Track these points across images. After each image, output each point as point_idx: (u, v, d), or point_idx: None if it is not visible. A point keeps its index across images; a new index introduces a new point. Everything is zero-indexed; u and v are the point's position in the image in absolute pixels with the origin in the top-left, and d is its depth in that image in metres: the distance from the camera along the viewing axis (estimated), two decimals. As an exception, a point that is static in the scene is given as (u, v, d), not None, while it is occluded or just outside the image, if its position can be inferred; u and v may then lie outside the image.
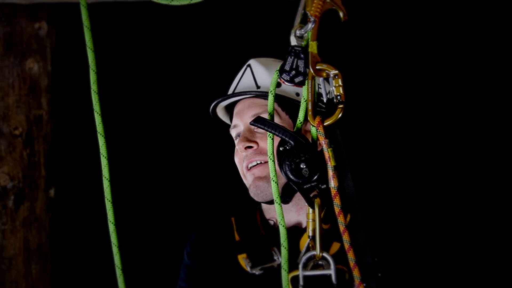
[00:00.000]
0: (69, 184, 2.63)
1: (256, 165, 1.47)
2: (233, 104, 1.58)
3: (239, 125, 1.52)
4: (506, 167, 2.54)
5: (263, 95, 1.48)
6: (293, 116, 1.46)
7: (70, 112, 2.61)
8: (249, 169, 1.49)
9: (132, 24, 2.69)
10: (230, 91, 1.58)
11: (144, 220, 2.68)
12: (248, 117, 1.49)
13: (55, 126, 2.53)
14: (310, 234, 1.14)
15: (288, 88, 1.46)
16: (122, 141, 2.52)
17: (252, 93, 1.48)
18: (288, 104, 1.47)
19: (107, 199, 1.12)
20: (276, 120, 1.46)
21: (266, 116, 1.41)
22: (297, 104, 1.31)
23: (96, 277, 2.63)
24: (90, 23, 1.14)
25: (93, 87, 1.14)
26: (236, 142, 1.56)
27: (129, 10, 2.53)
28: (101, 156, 1.13)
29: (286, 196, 1.22)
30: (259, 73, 1.50)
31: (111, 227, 1.13)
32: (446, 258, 2.41)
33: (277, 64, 1.48)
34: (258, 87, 1.49)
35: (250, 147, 1.47)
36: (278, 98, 1.44)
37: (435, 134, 2.59)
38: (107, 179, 1.13)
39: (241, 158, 1.51)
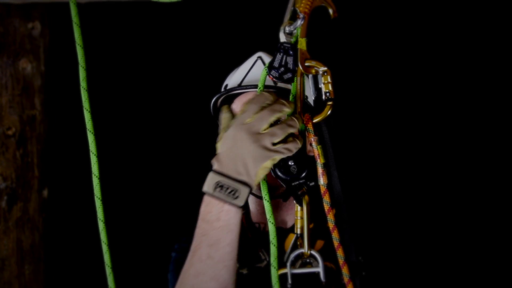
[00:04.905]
0: (62, 184, 2.63)
1: None
2: (232, 95, 1.54)
3: None
4: (489, 153, 2.56)
5: (281, 90, 1.43)
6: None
7: (63, 112, 2.61)
8: None
9: (124, 23, 2.71)
10: (235, 82, 1.53)
11: (134, 218, 2.69)
12: None
13: (48, 126, 2.53)
14: (298, 232, 1.14)
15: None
16: (113, 139, 2.52)
17: (274, 88, 1.40)
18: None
19: (97, 197, 1.12)
20: None
21: None
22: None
23: (89, 277, 2.62)
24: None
25: (83, 84, 1.14)
26: None
27: (122, 8, 2.53)
28: (91, 154, 1.14)
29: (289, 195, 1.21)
30: None
31: (101, 225, 1.13)
32: (432, 259, 2.43)
33: None
34: None
35: None
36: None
37: (423, 135, 2.61)
38: (96, 176, 1.13)
39: None
